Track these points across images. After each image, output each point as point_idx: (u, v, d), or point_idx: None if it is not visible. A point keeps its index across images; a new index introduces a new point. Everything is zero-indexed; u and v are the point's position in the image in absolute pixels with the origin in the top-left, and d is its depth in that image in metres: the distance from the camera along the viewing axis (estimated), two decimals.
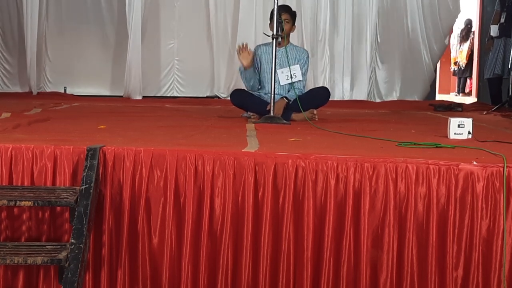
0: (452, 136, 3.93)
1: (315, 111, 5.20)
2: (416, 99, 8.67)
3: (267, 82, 5.23)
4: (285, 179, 2.98)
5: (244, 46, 5.20)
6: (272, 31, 4.96)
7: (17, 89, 8.51)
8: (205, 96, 8.59)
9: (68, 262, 2.71)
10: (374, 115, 6.44)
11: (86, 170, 2.94)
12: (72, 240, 2.76)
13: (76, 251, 2.73)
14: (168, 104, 7.23)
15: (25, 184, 3.07)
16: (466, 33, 13.45)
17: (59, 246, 2.88)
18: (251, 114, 5.22)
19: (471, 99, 11.01)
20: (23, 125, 4.16)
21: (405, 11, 8.64)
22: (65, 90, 8.49)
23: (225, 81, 8.49)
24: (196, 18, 8.56)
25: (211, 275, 3.02)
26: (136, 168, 3.04)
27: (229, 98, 5.68)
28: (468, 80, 13.71)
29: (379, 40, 8.72)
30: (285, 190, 2.98)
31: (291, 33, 5.37)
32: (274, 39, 4.88)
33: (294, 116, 5.11)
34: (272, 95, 4.86)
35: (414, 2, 8.61)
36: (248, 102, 5.26)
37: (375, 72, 8.78)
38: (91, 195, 2.87)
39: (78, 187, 2.95)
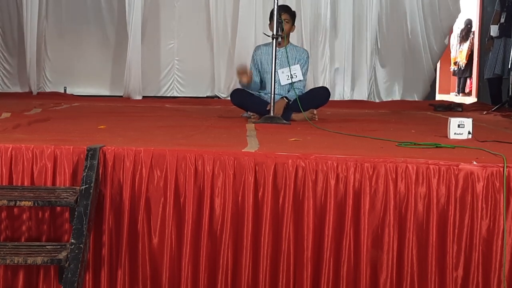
0: (452, 136, 3.93)
1: (315, 111, 5.20)
2: (416, 99, 8.66)
3: (268, 82, 5.23)
4: (285, 179, 2.98)
5: (243, 69, 5.21)
6: (272, 31, 4.96)
7: (17, 89, 8.51)
8: (205, 96, 8.59)
9: (68, 262, 2.71)
10: (374, 115, 6.44)
11: (86, 170, 2.94)
12: (72, 240, 2.76)
13: (76, 251, 2.73)
14: (168, 104, 7.23)
15: (25, 184, 3.07)
16: (466, 33, 13.46)
17: (59, 246, 2.88)
18: (251, 114, 5.22)
19: (471, 99, 11.01)
20: (23, 125, 4.16)
21: (405, 11, 8.63)
22: (65, 90, 8.49)
23: (225, 81, 8.48)
24: (196, 18, 8.56)
25: (211, 275, 3.02)
26: (136, 168, 3.04)
27: (229, 98, 5.68)
28: (468, 80, 13.71)
29: (379, 40, 8.71)
30: (285, 190, 2.98)
31: (291, 33, 5.37)
32: (274, 39, 4.88)
33: (294, 116, 5.11)
34: (272, 95, 4.87)
35: (414, 2, 8.60)
36: (248, 102, 5.26)
37: (375, 72, 8.77)
38: (91, 195, 2.87)
39: (78, 187, 2.95)
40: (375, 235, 2.96)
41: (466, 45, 13.44)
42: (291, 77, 5.27)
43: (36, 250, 2.83)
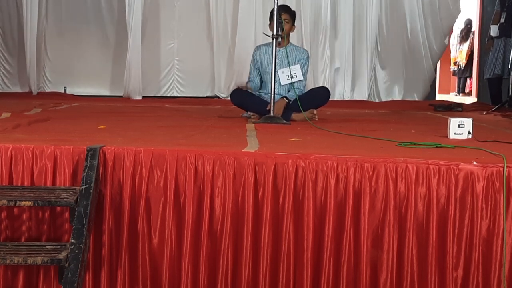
0: (452, 136, 3.93)
1: (315, 111, 5.20)
2: (416, 99, 8.66)
3: (268, 82, 5.23)
4: (285, 179, 2.98)
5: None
6: (272, 31, 4.96)
7: (17, 89, 8.51)
8: (205, 96, 8.59)
9: (68, 262, 2.71)
10: (374, 115, 6.44)
11: (86, 170, 2.94)
12: (72, 240, 2.76)
13: (76, 251, 2.73)
14: (168, 104, 7.23)
15: (25, 184, 3.07)
16: (466, 33, 13.46)
17: (59, 246, 2.88)
18: (251, 114, 5.22)
19: (471, 99, 11.01)
20: (23, 125, 4.16)
21: (405, 12, 8.63)
22: (65, 90, 8.49)
23: (225, 81, 8.48)
24: (196, 18, 8.56)
25: (211, 275, 3.02)
26: (136, 168, 3.04)
27: (229, 98, 5.68)
28: (468, 80, 13.71)
29: (379, 40, 8.71)
30: (285, 190, 2.98)
31: (291, 33, 5.37)
32: (274, 39, 4.88)
33: (294, 116, 5.11)
34: (272, 95, 4.87)
35: (414, 2, 8.60)
36: (248, 102, 5.26)
37: (375, 72, 8.77)
38: (91, 195, 2.87)
39: (78, 187, 2.95)
40: (375, 235, 2.96)
41: (466, 45, 13.44)
42: (291, 77, 5.27)
43: (36, 250, 2.83)
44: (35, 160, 3.07)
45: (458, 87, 14.02)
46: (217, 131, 4.26)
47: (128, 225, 3.04)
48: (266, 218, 2.98)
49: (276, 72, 4.95)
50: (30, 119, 4.57)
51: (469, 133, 3.92)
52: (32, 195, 2.91)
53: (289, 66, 5.25)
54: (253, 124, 4.66)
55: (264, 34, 5.24)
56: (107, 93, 8.59)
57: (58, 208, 3.06)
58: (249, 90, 5.25)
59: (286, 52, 5.22)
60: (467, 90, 13.69)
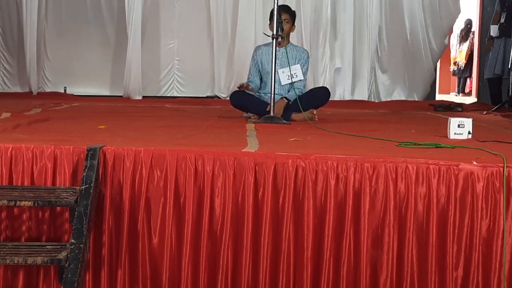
0: (452, 136, 3.93)
1: (315, 111, 5.19)
2: (416, 99, 8.66)
3: (269, 83, 5.23)
4: (285, 179, 2.98)
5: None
6: (272, 31, 4.96)
7: (17, 89, 8.51)
8: (205, 96, 8.59)
9: (68, 262, 2.71)
10: (374, 115, 6.44)
11: (86, 170, 2.94)
12: (72, 240, 2.76)
13: (76, 251, 2.73)
14: (168, 104, 7.23)
15: (25, 184, 3.07)
16: (465, 33, 13.46)
17: (59, 246, 2.88)
18: (251, 114, 5.22)
19: (471, 99, 11.01)
20: (23, 125, 4.16)
21: (406, 12, 8.63)
22: (65, 90, 8.49)
23: (225, 81, 8.48)
24: (196, 18, 8.56)
25: (211, 275, 3.02)
26: (136, 168, 3.04)
27: (229, 98, 5.68)
28: (468, 80, 13.71)
29: (379, 40, 8.70)
30: (285, 190, 2.98)
31: (291, 33, 5.37)
32: (274, 39, 4.88)
33: (294, 116, 5.11)
34: (272, 95, 4.87)
35: (414, 2, 8.60)
36: (247, 103, 5.26)
37: (375, 72, 8.77)
38: (91, 195, 2.87)
39: (78, 187, 2.95)
40: (375, 235, 2.96)
41: (465, 45, 13.44)
42: (291, 77, 5.27)
43: (36, 250, 2.83)
44: (35, 160, 3.07)
45: (458, 87, 14.02)
46: (217, 131, 4.26)
47: (128, 225, 3.04)
48: (266, 218, 2.98)
49: (276, 72, 4.95)
50: (30, 119, 4.57)
51: (469, 133, 3.92)
52: (32, 195, 2.91)
53: (289, 66, 5.25)
54: (253, 124, 4.66)
55: (264, 34, 5.24)
56: (107, 93, 8.59)
57: (58, 208, 3.06)
58: (249, 89, 5.24)
59: (286, 52, 5.22)
60: (467, 90, 13.69)
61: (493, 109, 7.09)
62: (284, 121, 4.84)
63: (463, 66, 13.54)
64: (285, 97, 5.17)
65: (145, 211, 3.04)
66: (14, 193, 2.92)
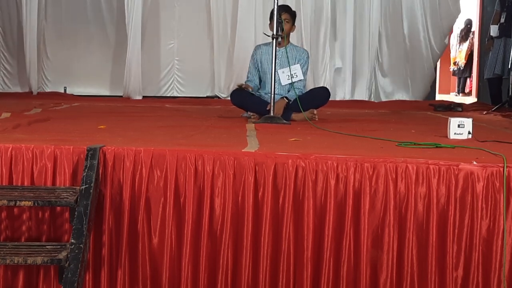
0: (452, 136, 3.93)
1: (315, 111, 5.19)
2: (416, 99, 8.66)
3: (268, 82, 5.24)
4: (285, 179, 2.98)
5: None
6: (272, 31, 4.96)
7: (17, 89, 8.52)
8: (205, 96, 8.59)
9: (68, 262, 2.71)
10: (374, 115, 6.44)
11: (86, 170, 2.94)
12: (72, 240, 2.76)
13: (76, 251, 2.73)
14: (168, 104, 7.23)
15: (25, 184, 3.07)
16: (465, 33, 13.46)
17: (59, 246, 2.88)
18: (251, 114, 5.22)
19: (471, 99, 11.01)
20: (23, 125, 4.16)
21: (406, 12, 8.63)
22: (65, 90, 8.49)
23: (225, 81, 8.48)
24: (196, 18, 8.56)
25: (211, 275, 3.02)
26: (136, 168, 3.04)
27: (229, 98, 5.68)
28: (468, 80, 13.71)
29: (379, 40, 8.70)
30: (285, 190, 2.98)
31: (291, 33, 5.37)
32: (274, 39, 4.88)
33: (294, 116, 5.11)
34: (272, 95, 4.87)
35: (414, 2, 8.60)
36: (248, 102, 5.26)
37: (375, 72, 8.77)
38: (91, 195, 2.87)
39: (78, 187, 2.95)
40: (375, 235, 2.96)
41: (465, 45, 13.44)
42: (291, 77, 5.27)
43: (36, 250, 2.83)
44: (35, 160, 3.07)
45: (458, 87, 14.02)
46: (217, 131, 4.26)
47: (128, 225, 3.04)
48: (266, 218, 2.98)
49: (276, 72, 4.95)
50: (30, 119, 4.57)
51: (469, 133, 3.92)
52: (32, 195, 2.91)
53: (289, 66, 5.25)
54: (253, 124, 4.66)
55: (264, 34, 5.24)
56: (107, 93, 8.59)
57: (58, 208, 3.06)
58: (249, 89, 5.24)
59: (286, 52, 5.22)
60: (467, 90, 13.69)
61: (493, 109, 7.09)
62: (284, 121, 4.84)
63: (463, 66, 13.54)
64: (285, 97, 5.17)
65: (145, 211, 3.04)
66: (14, 193, 2.92)
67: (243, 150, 3.09)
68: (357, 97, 8.61)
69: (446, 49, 9.37)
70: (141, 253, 3.04)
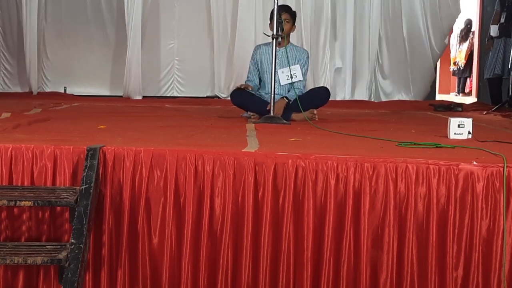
0: (452, 136, 3.93)
1: (315, 111, 5.20)
2: (416, 99, 8.66)
3: (268, 82, 5.24)
4: (285, 179, 2.98)
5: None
6: (272, 31, 4.96)
7: (17, 89, 8.52)
8: (205, 96, 8.59)
9: (68, 262, 2.71)
10: (374, 115, 6.44)
11: (86, 170, 2.94)
12: (72, 240, 2.76)
13: (76, 251, 2.73)
14: (168, 104, 7.23)
15: (25, 184, 3.07)
16: (465, 33, 13.46)
17: (59, 246, 2.88)
18: (251, 114, 5.22)
19: (471, 99, 11.01)
20: (23, 125, 4.16)
21: (406, 12, 8.63)
22: (65, 90, 8.49)
23: (225, 81, 8.48)
24: (196, 18, 8.56)
25: (211, 275, 3.02)
26: (136, 168, 3.04)
27: (229, 98, 5.68)
28: (468, 80, 13.71)
29: (379, 40, 8.70)
30: (285, 190, 2.98)
31: (291, 33, 5.37)
32: (274, 39, 4.88)
33: (294, 116, 5.11)
34: (272, 95, 4.87)
35: (414, 2, 8.60)
36: (248, 102, 5.26)
37: (375, 72, 8.77)
38: (91, 195, 2.87)
39: (78, 187, 2.95)
40: (375, 235, 2.96)
41: (465, 45, 13.44)
42: (291, 77, 5.27)
43: (36, 250, 2.83)
44: (35, 160, 3.07)
45: (458, 87, 14.02)
46: (217, 131, 4.26)
47: (128, 225, 3.04)
48: (266, 218, 2.98)
49: (276, 72, 4.95)
50: (30, 119, 4.57)
51: (469, 133, 3.92)
52: (32, 195, 2.91)
53: (289, 66, 5.25)
54: (253, 124, 4.66)
55: (264, 34, 5.24)
56: (107, 93, 8.59)
57: (58, 208, 3.06)
58: (249, 88, 5.24)
59: (286, 52, 5.22)
60: (467, 90, 13.69)
61: (493, 109, 7.09)
62: (284, 121, 4.84)
63: (463, 66, 13.54)
64: (285, 97, 5.17)
65: (145, 211, 3.04)
66: (14, 193, 2.92)
67: (243, 150, 3.09)
68: (357, 97, 8.61)
69: (446, 49, 9.37)
70: (141, 253, 3.04)
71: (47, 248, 2.86)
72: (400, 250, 2.95)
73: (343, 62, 8.63)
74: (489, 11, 9.50)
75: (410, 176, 2.94)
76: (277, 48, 4.94)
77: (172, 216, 3.02)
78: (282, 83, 5.29)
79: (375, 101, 8.56)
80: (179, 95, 8.57)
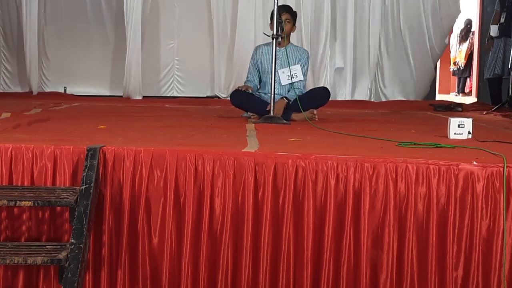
0: (452, 136, 3.93)
1: (315, 111, 5.19)
2: (416, 99, 8.66)
3: (268, 82, 5.23)
4: (285, 179, 2.98)
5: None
6: (273, 31, 4.96)
7: (17, 89, 8.53)
8: (205, 96, 8.59)
9: (68, 262, 2.71)
10: (374, 115, 6.44)
11: (86, 170, 2.94)
12: (72, 240, 2.76)
13: (76, 251, 2.73)
14: (168, 104, 7.23)
15: (25, 184, 3.07)
16: (465, 33, 13.46)
17: (59, 246, 2.88)
18: (251, 114, 5.22)
19: (471, 99, 11.01)
20: (23, 125, 4.16)
21: (406, 12, 8.63)
22: (65, 90, 8.49)
23: (225, 81, 8.48)
24: (196, 18, 8.56)
25: (211, 275, 3.02)
26: (136, 168, 3.04)
27: (229, 98, 5.68)
28: (468, 80, 13.71)
29: (379, 40, 8.70)
30: (285, 190, 2.98)
31: (291, 33, 5.37)
32: (274, 39, 4.88)
33: (294, 116, 5.11)
34: (272, 95, 4.87)
35: (415, 2, 8.60)
36: (248, 102, 5.26)
37: (375, 72, 8.77)
38: (91, 195, 2.87)
39: (78, 187, 2.95)
40: (375, 235, 2.96)
41: (465, 45, 13.44)
42: (291, 77, 5.27)
43: (36, 250, 2.83)
44: (35, 160, 3.07)
45: (458, 87, 14.02)
46: (217, 131, 4.26)
47: (128, 225, 3.04)
48: (266, 218, 2.98)
49: (276, 72, 4.95)
50: (30, 119, 4.58)
51: (469, 133, 3.92)
52: (32, 195, 2.91)
53: (289, 66, 5.25)
54: (253, 124, 4.66)
55: (264, 34, 5.24)
56: (107, 93, 8.59)
57: (58, 208, 3.06)
58: (249, 90, 5.24)
59: (286, 52, 5.22)
60: (467, 90, 13.69)
61: (493, 109, 7.09)
62: (284, 121, 4.84)
63: (463, 66, 13.55)
64: (285, 97, 5.17)
65: (145, 211, 3.04)
66: (14, 193, 2.92)
67: (243, 150, 3.09)
68: (358, 97, 8.61)
69: (446, 49, 9.37)
70: (141, 253, 3.04)
71: (47, 248, 2.86)
72: (400, 250, 2.95)
73: (343, 62, 8.63)
74: (489, 11, 9.50)
75: (410, 176, 2.93)
76: (277, 48, 4.94)
77: (172, 216, 3.02)
78: (283, 83, 5.29)
79: (375, 101, 8.56)
80: (179, 95, 8.58)
